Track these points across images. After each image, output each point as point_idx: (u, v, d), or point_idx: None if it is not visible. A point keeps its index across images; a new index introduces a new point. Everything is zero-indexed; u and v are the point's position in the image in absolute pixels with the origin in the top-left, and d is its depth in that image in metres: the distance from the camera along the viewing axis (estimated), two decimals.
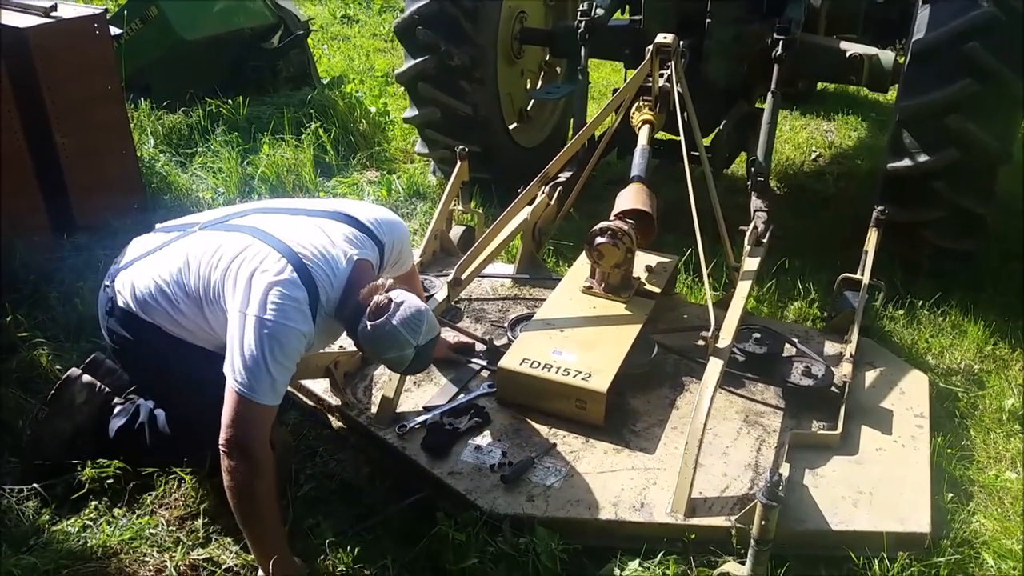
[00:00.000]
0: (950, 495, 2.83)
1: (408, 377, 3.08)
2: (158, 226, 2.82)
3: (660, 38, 3.49)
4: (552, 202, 3.82)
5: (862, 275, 3.47)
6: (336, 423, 3.09)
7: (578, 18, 4.39)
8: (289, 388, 3.17)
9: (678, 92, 3.47)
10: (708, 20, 4.19)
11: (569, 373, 2.95)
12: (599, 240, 3.24)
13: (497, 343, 3.34)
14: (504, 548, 2.47)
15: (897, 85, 4.11)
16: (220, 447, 2.30)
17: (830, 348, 3.42)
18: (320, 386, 3.12)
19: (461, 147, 3.94)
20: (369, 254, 2.62)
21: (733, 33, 4.25)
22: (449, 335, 3.32)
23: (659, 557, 2.51)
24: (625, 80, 3.76)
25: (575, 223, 4.29)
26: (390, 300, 2.41)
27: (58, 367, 3.26)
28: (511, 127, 5.07)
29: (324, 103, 5.94)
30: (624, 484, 2.71)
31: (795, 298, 4.02)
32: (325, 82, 6.86)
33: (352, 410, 3.03)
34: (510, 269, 3.94)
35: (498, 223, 3.49)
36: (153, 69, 5.86)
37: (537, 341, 3.13)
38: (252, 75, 6.36)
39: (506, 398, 3.05)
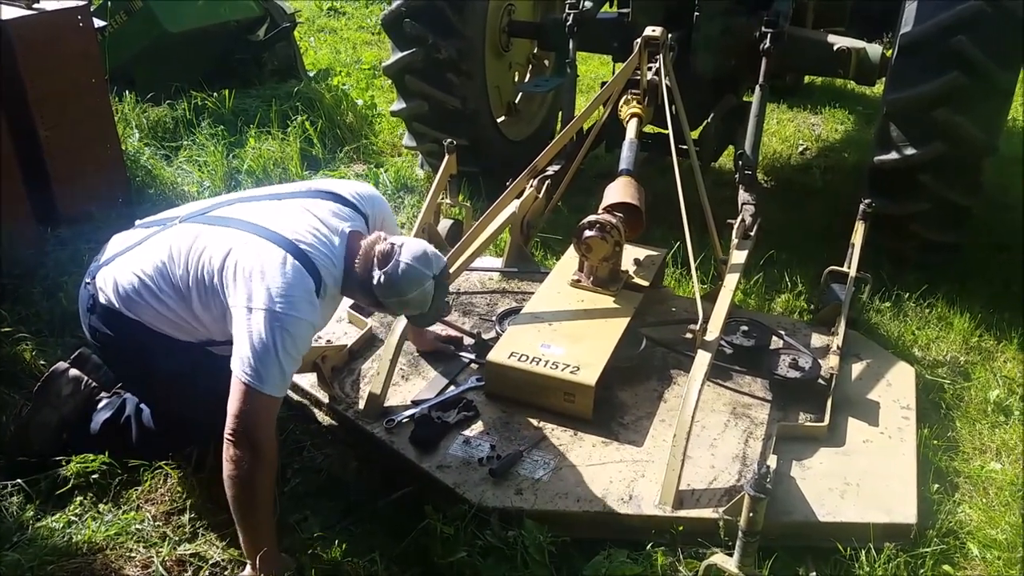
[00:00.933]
0: (936, 486, 2.85)
1: (396, 371, 3.07)
2: (138, 222, 2.78)
3: (648, 31, 3.49)
4: (540, 195, 3.82)
5: (849, 268, 3.48)
6: (324, 418, 3.08)
7: (566, 11, 4.38)
8: None
9: (666, 85, 3.47)
10: (696, 13, 4.19)
11: (557, 366, 2.95)
12: (587, 233, 3.23)
13: (485, 337, 3.34)
14: (493, 541, 2.47)
15: (884, 78, 4.13)
16: (226, 437, 2.30)
17: (817, 340, 3.43)
18: (307, 380, 3.11)
19: (449, 140, 3.92)
20: (358, 225, 2.63)
21: (721, 26, 4.25)
22: (437, 328, 3.32)
23: (647, 549, 2.52)
24: (613, 73, 3.75)
25: (563, 216, 4.28)
26: (392, 244, 2.45)
27: (42, 362, 3.23)
28: (499, 120, 5.06)
29: (311, 96, 5.91)
30: (612, 477, 2.71)
31: (782, 291, 4.03)
32: (312, 75, 6.83)
33: (340, 404, 3.03)
34: (498, 263, 3.93)
35: (486, 216, 3.48)
36: (138, 62, 5.82)
37: (525, 335, 3.13)
38: (238, 68, 6.32)
39: (494, 392, 3.05)
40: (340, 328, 3.42)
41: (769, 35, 3.94)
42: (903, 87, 3.79)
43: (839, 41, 4.25)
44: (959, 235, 4.09)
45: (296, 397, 3.16)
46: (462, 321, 3.52)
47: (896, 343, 3.68)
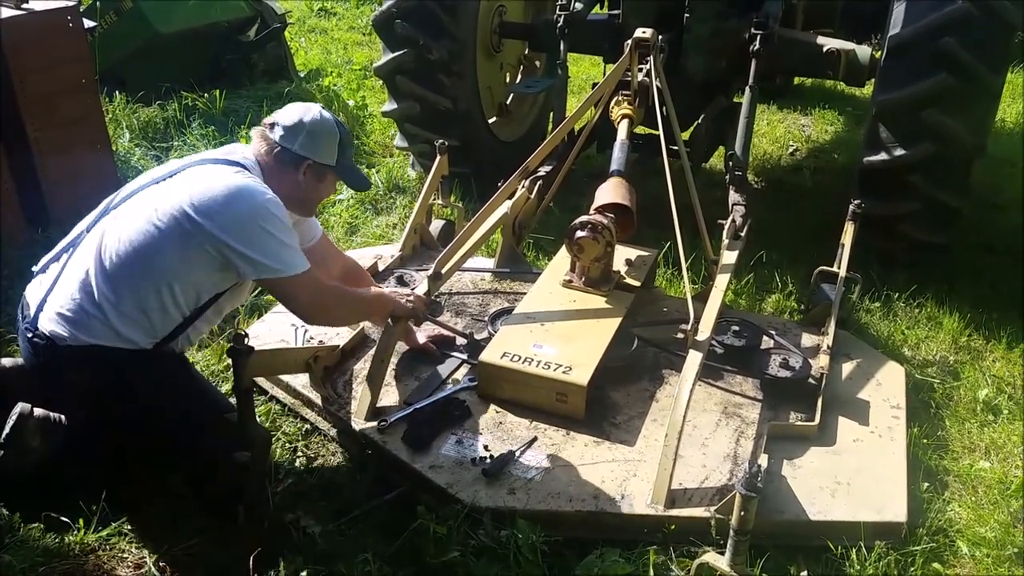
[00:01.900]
0: (926, 484, 2.87)
1: (388, 371, 3.07)
2: (36, 268, 2.70)
3: (639, 33, 3.50)
4: (532, 196, 3.83)
5: (839, 268, 3.50)
6: (316, 418, 3.08)
7: (557, 12, 4.39)
8: (268, 383, 3.18)
9: (657, 87, 3.48)
10: (687, 15, 4.20)
11: (550, 367, 2.95)
12: (579, 234, 3.24)
13: (478, 337, 3.34)
14: (485, 541, 2.48)
15: (873, 80, 4.15)
16: (300, 315, 2.72)
17: (807, 340, 3.45)
18: (300, 381, 3.11)
19: (440, 141, 3.93)
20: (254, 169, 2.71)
21: (711, 28, 4.27)
22: (428, 328, 3.32)
23: (639, 548, 2.52)
24: (604, 74, 3.76)
25: (555, 217, 4.29)
26: (274, 121, 2.73)
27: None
28: (491, 121, 5.06)
29: (302, 97, 5.91)
30: (605, 476, 2.72)
31: (773, 291, 4.05)
32: (302, 75, 6.82)
33: (332, 405, 3.02)
34: (490, 263, 3.93)
35: (478, 217, 3.49)
36: (128, 62, 5.80)
37: (517, 335, 3.13)
38: (228, 68, 6.31)
39: (487, 392, 3.05)
40: (333, 328, 3.42)
41: (759, 37, 3.96)
42: (892, 88, 3.81)
43: (828, 42, 4.28)
44: (948, 236, 4.11)
45: (289, 398, 3.16)
46: (454, 321, 3.53)
47: (886, 343, 3.70)
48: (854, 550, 2.52)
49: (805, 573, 2.51)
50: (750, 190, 4.07)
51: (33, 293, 2.60)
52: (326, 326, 2.95)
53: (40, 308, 2.52)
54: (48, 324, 2.47)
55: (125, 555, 2.52)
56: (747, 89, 4.00)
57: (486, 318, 3.49)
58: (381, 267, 3.76)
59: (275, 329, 3.42)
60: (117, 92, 5.57)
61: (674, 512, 2.58)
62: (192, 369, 2.82)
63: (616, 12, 4.51)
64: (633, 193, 3.41)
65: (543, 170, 3.87)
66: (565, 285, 3.44)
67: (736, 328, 3.30)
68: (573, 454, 2.81)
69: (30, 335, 2.50)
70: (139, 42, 5.79)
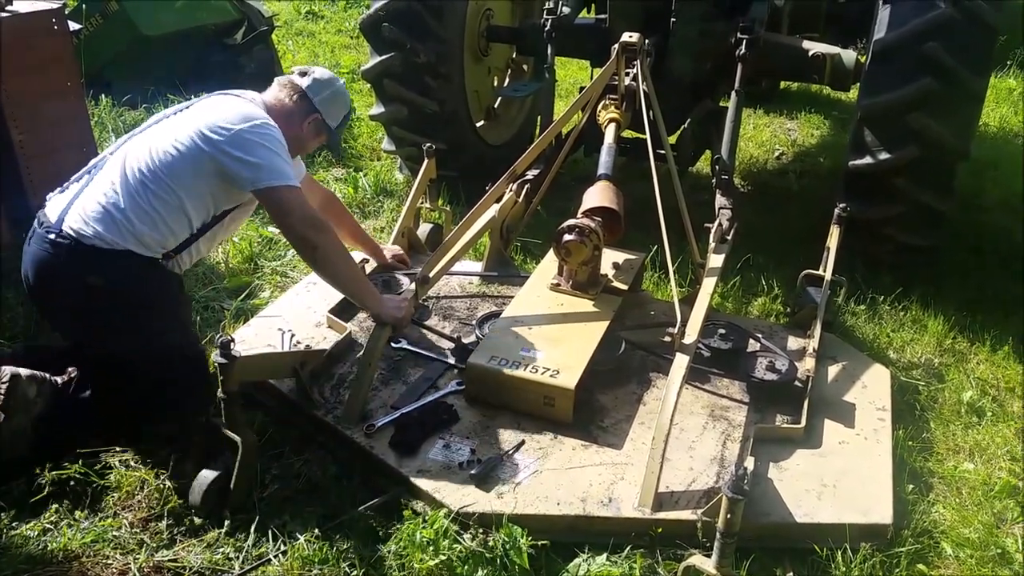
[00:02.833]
0: (911, 486, 2.88)
1: (376, 375, 3.07)
2: (53, 193, 2.95)
3: (626, 37, 3.51)
4: (520, 199, 3.83)
5: (824, 271, 3.51)
6: (303, 422, 3.06)
7: (544, 16, 4.40)
8: (255, 387, 3.16)
9: (644, 91, 3.49)
10: (673, 19, 4.22)
11: (537, 370, 2.96)
12: (567, 237, 3.25)
13: (465, 341, 3.34)
14: (473, 546, 2.47)
15: (858, 84, 4.17)
16: (294, 233, 2.79)
17: (793, 343, 3.46)
18: (287, 385, 3.10)
19: (428, 144, 3.93)
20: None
21: (698, 32, 4.29)
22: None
23: (627, 551, 2.53)
24: (592, 78, 3.77)
25: (543, 220, 4.30)
26: (307, 71, 3.09)
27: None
28: (478, 124, 5.07)
29: None
30: (592, 480, 2.72)
31: (759, 294, 4.07)
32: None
33: (319, 409, 3.01)
34: (478, 267, 3.94)
35: (466, 221, 3.49)
36: (114, 65, 5.77)
37: (505, 339, 3.14)
38: (215, 71, 6.28)
39: (475, 396, 3.05)
40: (319, 332, 3.42)
41: (745, 41, 3.98)
42: (877, 92, 3.83)
43: (814, 47, 4.30)
44: (933, 238, 4.13)
45: (275, 402, 3.14)
46: (442, 325, 3.53)
47: (871, 345, 3.72)
48: (840, 552, 2.53)
49: (791, 575, 2.52)
50: (736, 194, 4.09)
51: (54, 205, 2.85)
52: (310, 261, 2.85)
53: (64, 213, 2.78)
54: (74, 223, 2.74)
55: (109, 561, 2.50)
56: (733, 93, 4.01)
57: (474, 322, 3.49)
58: (368, 270, 3.75)
59: (261, 334, 3.41)
60: (103, 95, 5.54)
61: (661, 515, 2.59)
62: (185, 296, 3.17)
63: (603, 16, 4.53)
64: (620, 197, 3.42)
65: (531, 174, 3.88)
66: (553, 289, 3.44)
67: (723, 331, 3.31)
68: (561, 458, 2.82)
69: (52, 236, 2.73)
70: (125, 45, 5.76)
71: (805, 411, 2.99)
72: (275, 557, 2.52)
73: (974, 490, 2.94)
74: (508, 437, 2.90)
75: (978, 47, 3.71)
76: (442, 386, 3.14)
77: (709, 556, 2.31)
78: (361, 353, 3.06)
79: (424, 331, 3.44)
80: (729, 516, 2.20)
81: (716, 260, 3.39)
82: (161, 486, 2.71)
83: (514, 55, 5.41)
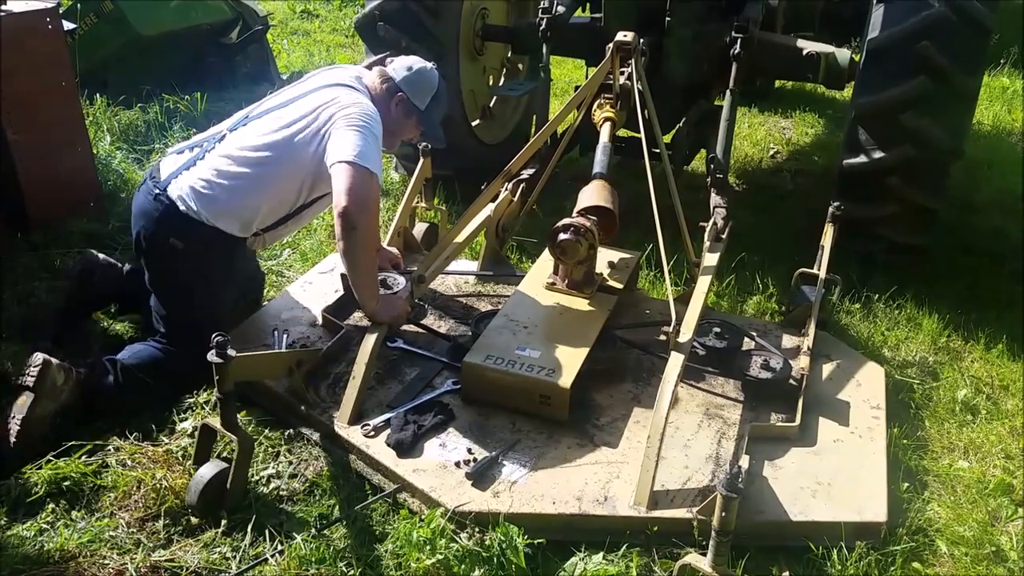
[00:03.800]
0: (905, 484, 2.89)
1: (372, 375, 3.07)
2: (171, 150, 3.25)
3: (621, 36, 3.51)
4: (515, 199, 3.83)
5: (819, 270, 3.52)
6: (299, 422, 3.07)
7: (539, 15, 4.40)
8: (250, 387, 3.16)
9: (639, 90, 3.50)
10: (668, 18, 4.22)
11: (533, 369, 2.96)
12: (562, 237, 3.25)
13: (461, 340, 3.34)
14: (469, 545, 2.48)
15: (853, 83, 4.18)
16: (344, 209, 2.77)
17: (788, 341, 3.48)
18: (283, 385, 3.10)
19: (423, 143, 3.93)
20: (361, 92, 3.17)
21: (693, 31, 4.29)
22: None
23: (623, 550, 2.54)
24: (587, 78, 3.78)
25: (538, 219, 4.30)
26: (381, 71, 3.24)
27: (13, 368, 3.19)
28: (474, 124, 5.07)
29: None
30: (588, 478, 2.73)
31: (754, 293, 4.07)
32: (285, 77, 6.78)
33: (315, 409, 3.02)
34: (474, 266, 3.94)
35: (461, 220, 3.49)
36: (109, 64, 5.75)
37: (501, 338, 3.14)
38: (210, 71, 6.28)
39: (471, 395, 3.06)
40: (315, 332, 3.42)
41: (739, 40, 3.99)
42: (871, 91, 3.85)
43: (808, 46, 4.31)
44: (927, 237, 4.15)
45: (271, 402, 3.14)
46: (438, 324, 3.53)
47: (866, 344, 3.74)
48: (835, 550, 2.55)
49: (787, 574, 2.53)
50: (731, 193, 4.10)
51: (167, 165, 3.13)
52: (344, 239, 2.85)
53: (173, 176, 3.06)
54: (176, 191, 3.01)
55: (106, 561, 2.50)
56: (728, 92, 4.02)
57: (470, 321, 3.50)
58: None
59: (257, 334, 3.41)
60: (97, 94, 5.52)
61: (656, 513, 2.60)
62: (255, 275, 3.61)
63: (598, 15, 4.53)
64: (615, 196, 3.42)
65: (526, 173, 3.88)
66: (548, 288, 3.45)
67: (717, 330, 3.32)
68: (556, 456, 2.82)
69: (157, 192, 3.04)
70: (120, 44, 5.74)
71: (800, 409, 3.00)
72: (272, 557, 2.52)
73: (969, 488, 2.96)
74: (504, 436, 2.90)
75: (971, 46, 3.72)
76: (438, 385, 3.15)
77: (705, 554, 2.32)
78: (358, 352, 3.06)
79: (420, 330, 3.44)
80: (724, 514, 2.21)
81: (711, 259, 3.40)
82: (158, 486, 2.71)
83: (509, 54, 5.41)
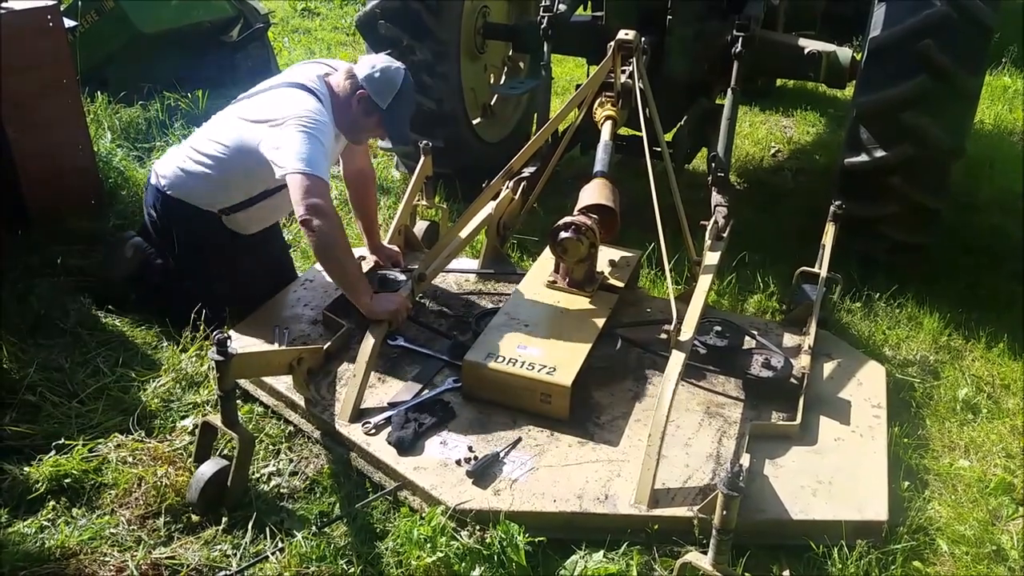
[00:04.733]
0: (906, 483, 2.89)
1: (372, 373, 3.07)
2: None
3: (622, 34, 3.50)
4: (516, 197, 3.83)
5: (820, 268, 3.52)
6: (300, 420, 3.07)
7: (540, 14, 4.40)
8: (251, 385, 3.17)
9: (640, 88, 3.50)
10: (669, 17, 4.22)
11: (534, 367, 2.96)
12: (563, 235, 3.25)
13: (462, 338, 3.34)
14: (470, 543, 2.48)
15: (854, 82, 4.18)
16: (304, 218, 2.91)
17: (789, 340, 3.47)
18: (283, 382, 3.10)
19: (425, 142, 3.93)
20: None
21: (694, 30, 4.29)
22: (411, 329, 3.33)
23: (623, 548, 2.54)
24: (588, 76, 3.77)
25: (539, 218, 4.30)
26: (349, 68, 3.32)
27: (14, 365, 3.19)
28: (475, 122, 5.06)
29: None
30: (589, 476, 2.73)
31: (755, 291, 4.07)
32: None
33: (316, 406, 3.02)
34: (475, 264, 3.94)
35: (462, 218, 3.49)
36: (110, 62, 5.75)
37: (502, 336, 3.14)
38: (211, 69, 6.27)
39: (471, 393, 3.06)
40: (316, 330, 3.42)
41: (741, 39, 3.98)
42: (872, 90, 3.84)
43: (810, 44, 4.31)
44: (928, 236, 4.15)
45: (272, 400, 3.15)
46: (439, 323, 3.53)
47: (867, 343, 3.74)
48: (836, 549, 2.55)
49: (787, 572, 2.53)
50: (732, 191, 4.10)
51: (169, 150, 3.54)
52: (311, 246, 3.07)
53: (164, 157, 3.49)
54: (161, 169, 3.43)
55: (107, 558, 2.50)
56: (729, 91, 4.02)
57: (470, 319, 3.50)
58: (364, 268, 3.75)
59: (258, 331, 3.41)
60: (98, 92, 5.51)
61: (657, 512, 2.60)
62: (246, 249, 3.59)
63: (599, 14, 4.53)
64: (616, 194, 3.42)
65: (527, 171, 3.88)
66: (549, 286, 3.45)
67: (718, 328, 3.31)
68: (557, 455, 2.82)
69: (152, 173, 3.46)
70: (121, 42, 5.73)
71: (801, 408, 3.00)
72: (273, 554, 2.52)
73: (969, 487, 2.96)
74: (505, 434, 2.90)
75: (973, 45, 3.72)
76: (439, 383, 3.14)
77: (705, 553, 2.32)
78: (359, 350, 3.06)
79: (420, 328, 3.44)
80: (725, 513, 2.21)
81: (712, 257, 3.40)
82: (159, 483, 2.71)
83: (510, 52, 5.40)
